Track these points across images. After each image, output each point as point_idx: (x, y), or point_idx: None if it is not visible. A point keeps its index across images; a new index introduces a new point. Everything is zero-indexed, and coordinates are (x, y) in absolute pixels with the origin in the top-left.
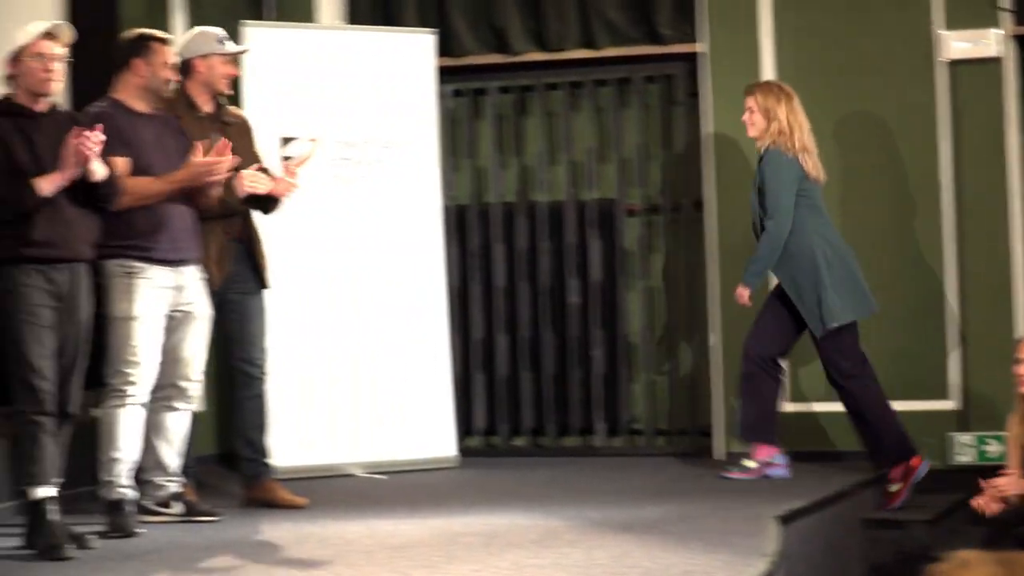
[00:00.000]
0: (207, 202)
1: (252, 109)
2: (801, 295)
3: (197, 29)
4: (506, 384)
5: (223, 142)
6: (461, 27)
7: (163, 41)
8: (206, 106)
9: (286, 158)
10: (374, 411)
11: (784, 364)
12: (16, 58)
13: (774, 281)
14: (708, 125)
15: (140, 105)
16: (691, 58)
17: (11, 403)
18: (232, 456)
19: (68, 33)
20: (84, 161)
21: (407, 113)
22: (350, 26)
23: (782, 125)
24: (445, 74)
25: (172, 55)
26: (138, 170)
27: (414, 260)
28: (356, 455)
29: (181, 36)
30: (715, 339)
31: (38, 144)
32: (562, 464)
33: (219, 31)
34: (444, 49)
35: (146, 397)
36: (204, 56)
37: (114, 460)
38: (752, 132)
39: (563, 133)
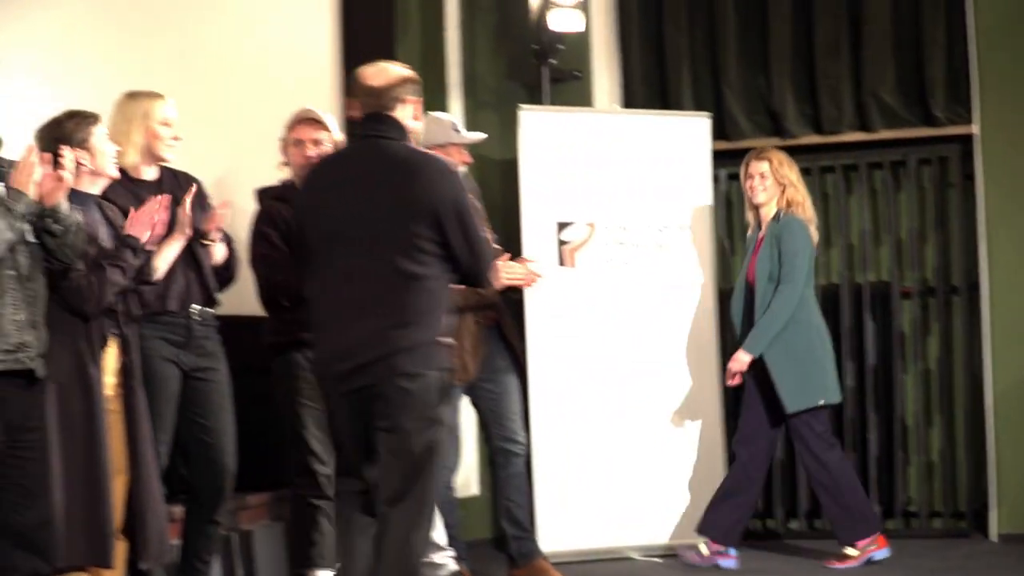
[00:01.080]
0: None
1: (528, 193)
2: (789, 368)
3: (431, 116)
4: (782, 467)
5: None
6: (737, 111)
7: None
8: None
9: (563, 243)
10: (648, 492)
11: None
12: (286, 145)
13: None
14: (983, 207)
15: None
16: (966, 140)
17: (287, 486)
18: (503, 539)
19: (327, 119)
20: None
21: (683, 196)
22: (626, 110)
23: (797, 193)
24: (720, 157)
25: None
26: None
27: (690, 342)
28: (628, 538)
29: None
30: (991, 421)
31: None
32: (837, 547)
33: (453, 118)
34: (719, 132)
35: None
36: (441, 145)
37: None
38: (761, 198)
39: (838, 216)
